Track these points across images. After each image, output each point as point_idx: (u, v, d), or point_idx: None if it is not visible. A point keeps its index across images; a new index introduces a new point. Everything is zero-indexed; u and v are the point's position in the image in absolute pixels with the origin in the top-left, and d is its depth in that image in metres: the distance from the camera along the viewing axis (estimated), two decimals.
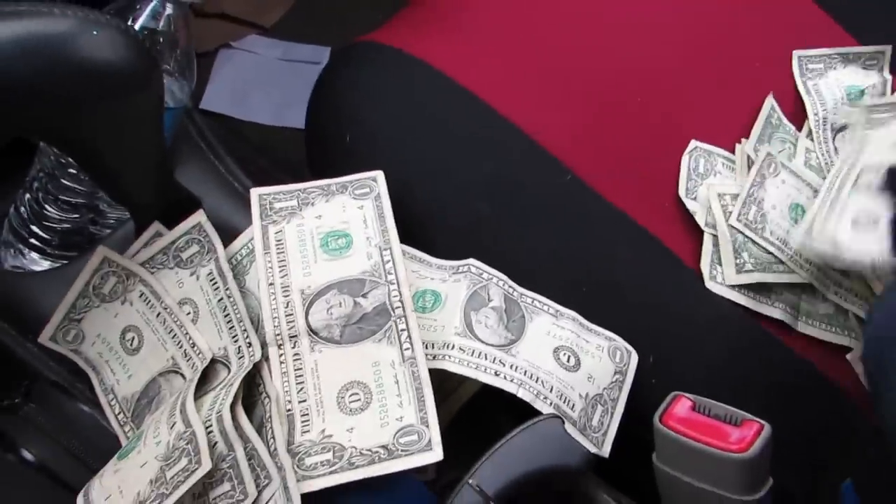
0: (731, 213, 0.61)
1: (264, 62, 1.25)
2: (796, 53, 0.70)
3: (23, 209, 0.64)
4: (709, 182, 0.63)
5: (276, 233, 0.53)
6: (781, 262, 0.60)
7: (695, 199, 0.63)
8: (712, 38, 0.70)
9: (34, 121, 0.45)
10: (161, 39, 0.59)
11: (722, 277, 0.60)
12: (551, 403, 0.49)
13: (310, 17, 1.31)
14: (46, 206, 0.63)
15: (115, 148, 0.48)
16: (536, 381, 0.49)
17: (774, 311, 0.60)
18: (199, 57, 0.63)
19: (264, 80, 1.23)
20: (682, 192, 0.63)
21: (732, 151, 0.66)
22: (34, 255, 0.65)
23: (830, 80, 0.69)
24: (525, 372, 0.50)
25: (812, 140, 0.67)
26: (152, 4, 0.58)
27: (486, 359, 0.50)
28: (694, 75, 0.68)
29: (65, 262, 0.64)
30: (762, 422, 0.46)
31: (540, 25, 0.67)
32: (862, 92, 0.69)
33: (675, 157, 0.64)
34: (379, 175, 0.57)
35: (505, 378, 0.49)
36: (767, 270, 0.60)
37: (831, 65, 0.70)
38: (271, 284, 0.50)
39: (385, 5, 1.33)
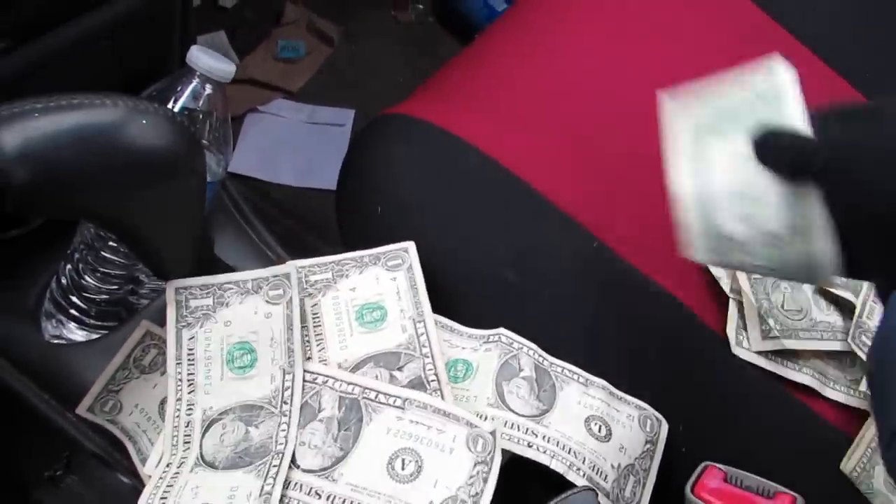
0: (756, 279, 0.62)
1: (290, 125, 1.29)
2: None
3: (63, 280, 0.66)
4: None
5: (313, 306, 0.54)
6: (807, 329, 0.61)
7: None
8: None
9: (83, 205, 0.47)
10: (200, 117, 0.62)
11: (748, 343, 0.61)
12: (584, 475, 0.50)
13: (333, 81, 1.35)
14: (86, 277, 0.65)
15: (158, 227, 0.50)
16: (569, 453, 0.50)
17: (802, 377, 0.61)
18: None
19: (290, 143, 1.27)
20: None
21: None
22: (73, 325, 0.66)
23: None
24: (557, 443, 0.50)
25: None
26: (192, 85, 0.61)
27: (518, 430, 0.51)
28: None
29: (103, 332, 0.66)
30: (795, 494, 0.47)
31: (565, 99, 0.69)
32: None
33: None
34: (410, 246, 0.58)
35: (538, 449, 0.50)
36: (793, 337, 0.61)
37: None
38: (309, 358, 0.52)
39: (404, 70, 1.38)
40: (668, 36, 0.75)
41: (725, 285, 0.63)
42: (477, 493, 0.46)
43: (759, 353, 0.61)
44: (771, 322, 0.61)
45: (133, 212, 0.48)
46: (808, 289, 0.63)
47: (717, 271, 0.63)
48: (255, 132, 1.27)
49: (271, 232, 0.74)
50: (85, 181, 0.45)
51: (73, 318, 0.66)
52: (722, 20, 0.77)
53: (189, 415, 0.50)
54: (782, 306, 0.62)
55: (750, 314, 0.61)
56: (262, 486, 0.47)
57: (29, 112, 0.43)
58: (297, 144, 1.27)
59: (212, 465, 0.49)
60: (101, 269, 0.65)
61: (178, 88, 0.61)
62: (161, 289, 0.66)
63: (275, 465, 0.48)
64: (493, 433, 0.49)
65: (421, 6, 1.46)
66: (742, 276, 0.62)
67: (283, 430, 0.49)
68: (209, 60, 0.60)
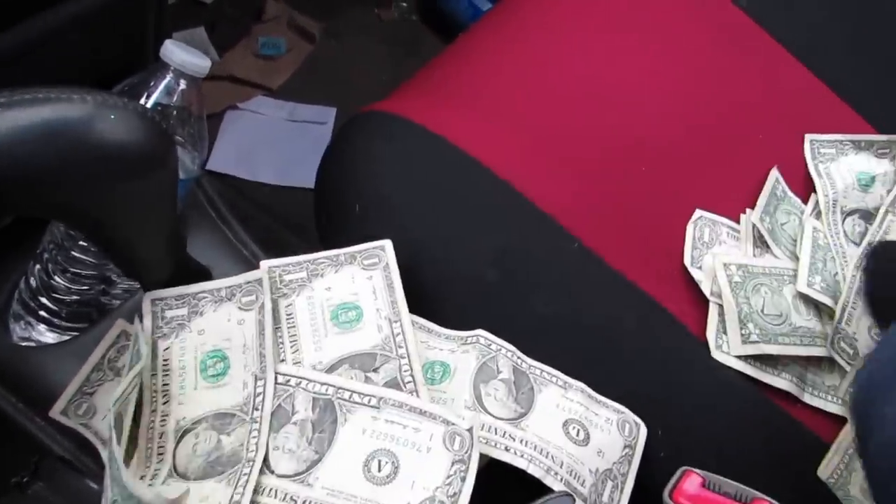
0: (736, 282, 0.62)
1: (270, 122, 1.27)
2: (808, 137, 0.71)
3: (32, 281, 0.65)
4: (714, 251, 0.64)
5: (287, 306, 0.53)
6: (786, 334, 0.61)
7: (700, 267, 0.63)
8: (716, 110, 0.71)
9: (51, 203, 0.45)
10: (174, 113, 0.61)
11: (727, 347, 0.61)
12: (562, 479, 0.49)
13: (315, 78, 1.34)
14: (55, 278, 0.64)
15: (128, 225, 0.49)
16: (546, 457, 0.49)
17: (781, 382, 0.60)
18: (206, 118, 0.65)
19: (270, 140, 1.25)
20: (687, 261, 0.63)
21: (736, 220, 0.66)
22: (42, 327, 0.65)
23: (842, 165, 0.70)
24: (535, 447, 0.50)
25: (821, 220, 0.68)
26: (166, 80, 0.60)
27: (496, 433, 0.50)
28: (698, 146, 0.69)
29: (73, 333, 0.64)
30: (773, 501, 0.46)
31: (548, 99, 0.68)
32: (873, 178, 0.70)
33: (681, 226, 0.65)
34: (387, 244, 0.57)
35: (515, 453, 0.49)
36: (773, 342, 0.61)
37: (843, 151, 0.71)
38: (283, 361, 0.51)
39: (387, 68, 1.37)
40: (651, 37, 0.74)
41: (706, 288, 0.63)
42: (455, 493, 0.46)
43: (739, 357, 0.60)
44: (751, 326, 0.61)
45: (102, 209, 0.47)
46: (788, 293, 0.62)
47: (697, 274, 0.63)
48: (234, 130, 1.26)
49: (248, 230, 0.73)
50: (51, 177, 0.43)
51: (43, 320, 0.65)
52: (705, 22, 0.77)
53: (163, 426, 0.49)
54: (762, 310, 0.61)
55: (730, 318, 0.61)
56: (232, 496, 0.45)
57: None
58: (277, 142, 1.26)
59: (184, 476, 0.47)
60: (72, 270, 0.63)
61: (152, 83, 0.60)
62: (133, 289, 0.65)
63: (245, 473, 0.46)
64: (470, 430, 0.48)
65: (404, 4, 1.45)
66: (722, 280, 0.62)
67: (255, 437, 0.48)
68: (183, 55, 0.59)
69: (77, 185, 0.45)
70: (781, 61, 0.76)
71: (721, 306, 0.62)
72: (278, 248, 0.74)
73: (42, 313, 0.64)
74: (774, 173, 0.68)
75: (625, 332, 0.61)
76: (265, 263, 0.56)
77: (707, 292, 0.62)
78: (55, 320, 0.65)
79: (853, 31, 0.80)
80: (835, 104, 0.76)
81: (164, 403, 0.50)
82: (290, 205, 1.21)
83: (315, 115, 1.29)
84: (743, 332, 0.60)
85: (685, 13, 0.77)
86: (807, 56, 0.77)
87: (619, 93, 0.71)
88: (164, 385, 0.51)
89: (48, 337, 0.65)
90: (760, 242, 0.65)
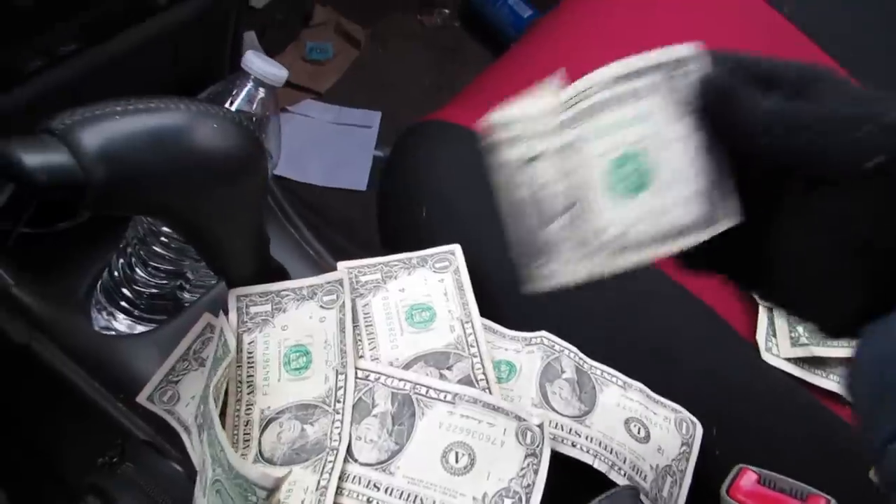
0: None
1: (318, 126, 1.31)
2: None
3: (116, 273, 0.68)
4: None
5: (364, 306, 0.57)
6: None
7: None
8: None
9: (154, 203, 0.49)
10: (254, 120, 0.64)
11: (777, 350, 0.63)
12: (625, 474, 0.52)
13: (360, 83, 1.37)
14: (137, 271, 0.67)
15: (221, 226, 0.52)
16: (611, 453, 0.52)
17: (828, 384, 0.63)
18: None
19: (318, 143, 1.29)
20: None
21: None
22: (122, 316, 0.69)
23: None
24: (600, 443, 0.52)
25: None
26: (247, 89, 0.63)
27: (562, 430, 0.53)
28: None
29: (149, 324, 0.68)
30: (828, 497, 0.48)
31: None
32: None
33: None
34: (457, 248, 0.60)
35: (581, 449, 0.52)
36: (821, 344, 0.63)
37: None
38: (361, 357, 0.54)
39: (430, 73, 1.40)
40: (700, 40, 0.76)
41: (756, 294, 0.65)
42: (529, 485, 0.48)
43: (788, 359, 0.63)
44: (800, 329, 0.63)
45: (199, 211, 0.50)
46: None
47: None
48: (284, 132, 1.29)
49: (311, 231, 0.76)
50: (158, 181, 0.47)
51: (123, 310, 0.68)
52: (749, 31, 0.79)
53: (248, 414, 0.52)
54: None
55: (780, 322, 0.63)
56: (319, 481, 0.49)
57: (110, 114, 0.45)
58: (324, 145, 1.29)
59: (270, 461, 0.51)
60: (152, 264, 0.67)
61: (234, 92, 0.63)
62: (207, 285, 0.68)
63: (330, 461, 0.49)
64: (540, 426, 0.50)
65: (447, 10, 1.48)
66: None
67: (337, 428, 0.51)
68: (264, 65, 0.62)
69: (179, 188, 0.48)
70: (811, 55, 0.78)
71: (771, 310, 0.64)
72: (330, 249, 0.78)
73: (123, 304, 0.68)
74: None
75: (679, 336, 0.63)
76: (342, 265, 0.59)
77: (757, 297, 0.65)
78: (134, 311, 0.68)
79: (886, 26, 0.81)
80: None
81: (249, 393, 0.53)
82: (337, 206, 1.25)
83: (360, 119, 1.33)
84: (792, 335, 0.63)
85: (728, 22, 0.79)
86: (848, 62, 0.78)
87: None
88: (249, 376, 0.54)
89: (125, 326, 0.69)
90: None
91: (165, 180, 0.47)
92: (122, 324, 0.69)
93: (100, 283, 0.69)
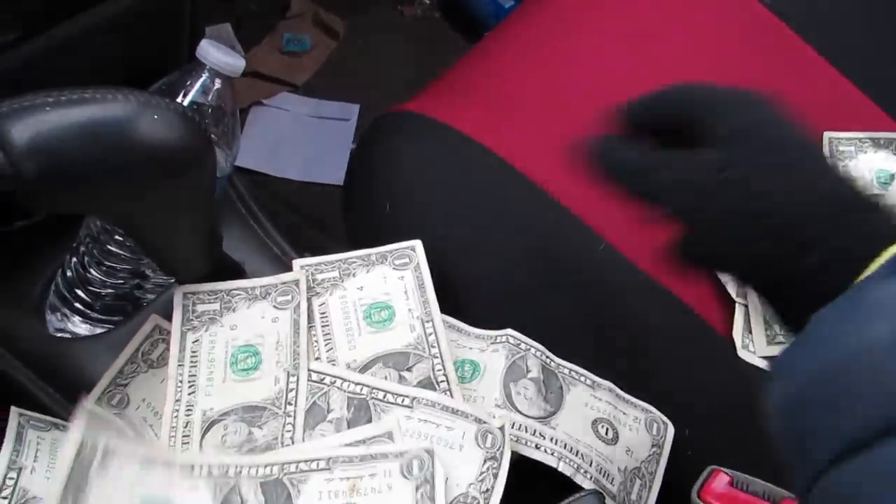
0: None
1: (295, 119, 1.28)
2: (827, 135, 0.71)
3: (69, 273, 0.66)
4: None
5: (321, 305, 0.54)
6: None
7: None
8: None
9: (92, 200, 0.47)
10: (210, 112, 0.62)
11: (753, 347, 0.61)
12: (591, 477, 0.50)
13: (338, 75, 1.35)
14: (91, 271, 0.65)
15: (167, 223, 0.50)
16: (576, 455, 0.50)
17: None
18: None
19: (295, 137, 1.27)
20: None
21: None
22: (77, 318, 0.66)
23: (861, 163, 0.70)
24: (565, 445, 0.50)
25: None
26: (202, 80, 0.61)
27: (526, 431, 0.51)
28: None
29: (107, 326, 0.65)
30: None
31: (574, 99, 0.69)
32: (892, 176, 0.70)
33: None
34: (417, 244, 0.58)
35: (545, 451, 0.50)
36: None
37: (862, 148, 0.71)
38: (317, 358, 0.52)
39: (410, 65, 1.38)
40: (678, 36, 0.74)
41: (732, 290, 0.63)
42: (488, 490, 0.46)
43: (765, 357, 0.61)
44: (776, 327, 0.61)
45: (143, 208, 0.48)
46: None
47: (724, 276, 0.63)
48: (259, 126, 1.27)
49: (276, 227, 0.74)
50: (94, 176, 0.44)
51: (78, 312, 0.66)
52: (730, 20, 0.77)
53: (188, 415, 0.50)
54: None
55: (756, 319, 0.61)
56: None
57: (40, 105, 0.42)
58: (301, 139, 1.27)
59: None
60: (107, 263, 0.64)
61: (188, 83, 0.61)
62: (167, 283, 0.66)
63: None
64: (501, 429, 0.49)
65: (427, 1, 1.45)
66: None
67: (289, 431, 0.49)
68: (219, 55, 0.60)
69: (119, 184, 0.46)
70: (806, 59, 0.76)
71: (747, 307, 0.62)
72: (304, 245, 0.75)
73: (77, 305, 0.66)
74: None
75: (651, 332, 0.61)
76: (298, 263, 0.57)
77: (733, 294, 0.63)
78: (90, 312, 0.66)
79: (880, 29, 0.80)
80: (859, 101, 0.75)
81: (191, 394, 0.51)
82: (314, 201, 1.22)
83: (339, 112, 1.30)
84: (768, 332, 0.61)
85: (712, 13, 0.77)
86: (833, 55, 0.76)
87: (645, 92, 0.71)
88: (192, 376, 0.52)
89: (83, 329, 0.66)
90: None
91: (102, 175, 0.45)
92: (78, 326, 0.67)
93: (54, 284, 0.67)
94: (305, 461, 0.47)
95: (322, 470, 0.47)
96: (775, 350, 0.60)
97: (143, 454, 0.47)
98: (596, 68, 0.72)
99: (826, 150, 0.71)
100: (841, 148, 0.71)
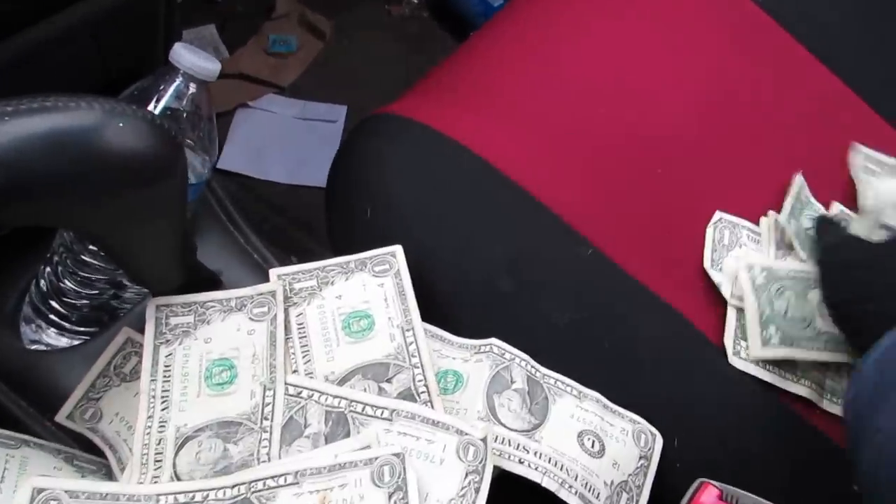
0: (759, 284, 0.60)
1: (281, 121, 1.27)
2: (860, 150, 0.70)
3: (42, 284, 0.64)
4: (735, 254, 0.63)
5: (298, 315, 0.53)
6: (811, 338, 0.60)
7: (720, 270, 0.62)
8: (733, 109, 0.70)
9: (57, 212, 0.45)
10: (185, 116, 0.60)
11: (746, 353, 0.60)
12: (576, 492, 0.48)
13: (325, 76, 1.33)
14: (65, 281, 0.63)
15: (136, 234, 0.48)
16: (561, 469, 0.49)
17: (800, 389, 0.59)
18: (217, 116, 0.64)
19: (281, 139, 1.25)
20: (707, 264, 0.62)
21: (755, 221, 0.65)
22: (52, 330, 0.65)
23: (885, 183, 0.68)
24: (549, 459, 0.49)
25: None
26: (176, 84, 0.59)
27: (509, 445, 0.49)
28: (714, 147, 0.68)
29: (84, 337, 0.64)
30: None
31: (562, 100, 0.67)
32: None
33: (697, 229, 0.64)
34: (398, 250, 0.56)
35: (529, 466, 0.48)
36: (794, 345, 0.59)
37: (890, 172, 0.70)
38: (295, 371, 0.50)
39: (398, 66, 1.36)
40: (667, 36, 0.73)
41: (726, 291, 0.62)
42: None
43: (757, 363, 0.59)
44: (772, 329, 0.59)
45: (109, 218, 0.46)
46: (813, 298, 0.61)
47: (717, 276, 0.62)
48: (245, 128, 1.25)
49: (258, 233, 0.72)
50: (58, 187, 0.43)
51: (53, 324, 0.64)
52: (721, 20, 0.76)
53: (161, 432, 0.48)
54: (786, 314, 0.60)
55: (751, 320, 0.60)
56: None
57: None
58: (287, 141, 1.25)
59: None
60: (82, 273, 0.63)
61: (161, 87, 0.59)
62: (143, 293, 0.64)
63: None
64: (484, 440, 0.47)
65: (415, 0, 1.44)
66: (745, 281, 0.61)
67: (265, 447, 0.47)
68: (193, 58, 0.58)
69: (84, 195, 0.44)
70: (799, 59, 0.75)
71: (740, 310, 0.61)
72: (290, 249, 0.74)
73: (52, 317, 0.64)
74: (800, 179, 0.67)
75: (640, 340, 0.60)
76: (274, 272, 0.55)
77: (727, 295, 0.61)
78: (65, 324, 0.64)
79: (871, 27, 0.79)
80: (852, 102, 0.74)
81: (164, 409, 0.50)
82: (301, 203, 1.21)
83: (325, 114, 1.29)
84: (763, 334, 0.59)
85: (702, 11, 0.76)
86: (825, 53, 0.75)
87: (633, 94, 0.70)
88: (165, 391, 0.50)
89: (58, 341, 0.65)
90: (783, 244, 0.64)
91: (66, 186, 0.43)
92: (53, 338, 0.65)
93: (27, 295, 0.65)
94: (272, 477, 0.46)
95: (290, 485, 0.46)
96: (769, 353, 0.59)
97: (104, 492, 0.45)
98: (583, 69, 0.70)
99: (858, 163, 0.69)
100: (870, 165, 0.69)
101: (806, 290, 0.61)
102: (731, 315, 0.61)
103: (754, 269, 0.62)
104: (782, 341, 0.59)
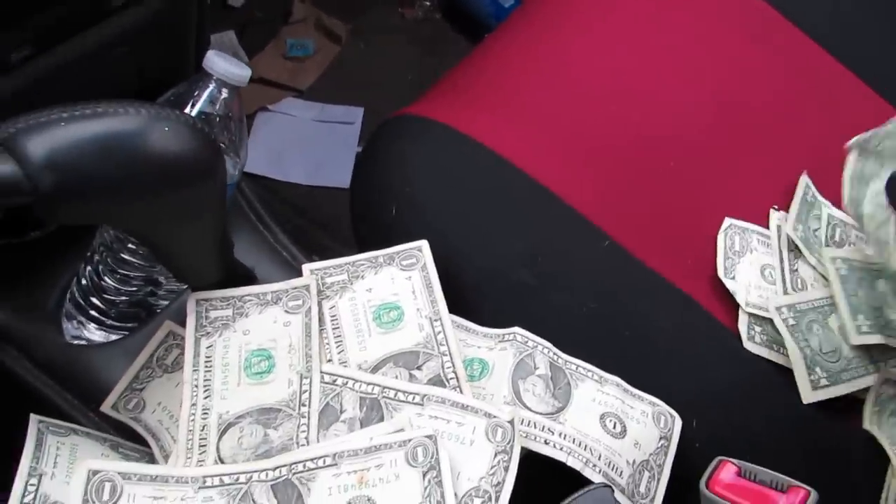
0: (792, 325, 0.61)
1: (300, 123, 1.29)
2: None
3: (83, 281, 0.67)
4: (749, 259, 0.64)
5: (331, 308, 0.55)
6: (845, 370, 0.61)
7: (733, 278, 0.64)
8: (744, 105, 0.72)
9: (108, 211, 0.48)
10: (217, 121, 0.63)
11: (759, 338, 0.62)
12: (600, 471, 0.50)
13: (341, 79, 1.36)
14: (105, 279, 0.66)
15: (179, 232, 0.51)
16: (585, 449, 0.51)
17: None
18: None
19: (300, 141, 1.28)
20: (720, 273, 0.63)
21: (766, 217, 0.67)
22: (92, 326, 0.68)
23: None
24: (574, 440, 0.51)
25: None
26: (209, 89, 0.62)
27: (535, 427, 0.52)
28: (726, 142, 0.70)
29: (122, 333, 0.67)
30: (808, 488, 0.47)
31: (577, 97, 0.70)
32: None
33: (710, 220, 0.66)
34: (424, 245, 0.59)
35: (554, 446, 0.51)
36: (839, 382, 0.60)
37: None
38: (329, 361, 0.53)
39: (412, 67, 1.38)
40: (679, 33, 0.75)
41: (741, 299, 0.63)
42: (499, 483, 0.47)
43: (771, 346, 0.61)
44: (818, 371, 0.60)
45: (156, 217, 0.49)
46: (833, 324, 0.62)
47: (731, 285, 0.63)
48: (265, 131, 1.28)
49: (285, 232, 0.75)
50: (108, 188, 0.45)
51: (93, 319, 0.67)
52: (732, 17, 0.78)
53: (204, 419, 0.51)
54: (821, 350, 0.61)
55: (797, 365, 0.60)
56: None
57: (55, 120, 0.43)
58: (306, 143, 1.28)
59: None
60: (120, 271, 0.66)
61: (196, 93, 0.62)
62: (180, 289, 0.67)
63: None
64: (511, 422, 0.50)
65: (428, 3, 1.46)
66: (781, 326, 0.61)
67: (304, 432, 0.50)
68: (226, 65, 0.61)
69: (131, 196, 0.47)
70: (810, 54, 0.77)
71: (751, 315, 0.62)
72: (312, 248, 0.77)
73: (93, 313, 0.67)
74: (804, 179, 0.69)
75: (657, 327, 0.62)
76: (307, 267, 0.58)
77: (742, 303, 0.62)
78: (105, 320, 0.67)
79: (884, 20, 0.80)
80: (867, 95, 0.76)
81: (206, 398, 0.52)
82: (321, 204, 1.23)
83: (343, 116, 1.31)
84: (812, 377, 0.60)
85: (713, 10, 0.78)
86: (837, 48, 0.77)
87: (646, 90, 0.72)
88: (206, 380, 0.53)
89: (98, 336, 0.68)
90: (794, 247, 0.66)
91: (116, 187, 0.46)
92: (94, 333, 0.68)
93: (69, 292, 0.68)
94: (312, 459, 0.48)
95: (329, 466, 0.48)
96: (820, 395, 0.60)
97: (154, 474, 0.48)
98: (595, 68, 0.72)
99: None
100: None
101: (826, 318, 0.62)
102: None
103: (782, 309, 0.62)
104: (829, 381, 0.60)
